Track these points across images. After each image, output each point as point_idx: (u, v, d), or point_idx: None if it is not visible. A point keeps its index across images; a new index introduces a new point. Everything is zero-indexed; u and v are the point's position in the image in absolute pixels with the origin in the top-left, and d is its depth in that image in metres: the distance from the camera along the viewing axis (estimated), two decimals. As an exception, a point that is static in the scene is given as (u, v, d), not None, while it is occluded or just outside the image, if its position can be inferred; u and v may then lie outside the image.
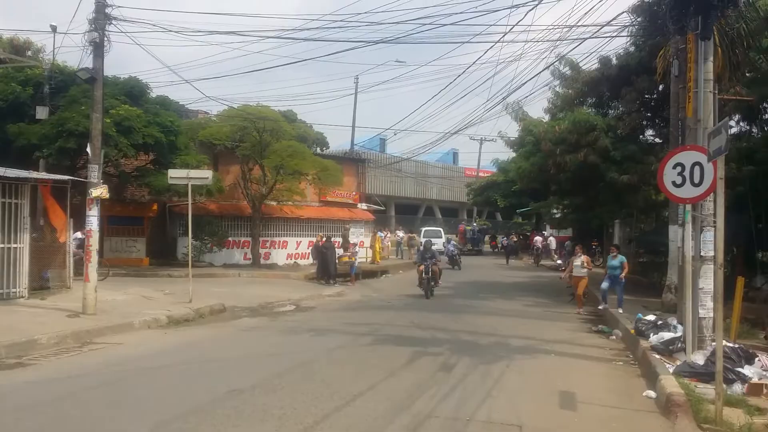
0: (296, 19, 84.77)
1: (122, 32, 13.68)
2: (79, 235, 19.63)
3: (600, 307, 15.13)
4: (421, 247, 20.74)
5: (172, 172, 15.94)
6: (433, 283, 18.49)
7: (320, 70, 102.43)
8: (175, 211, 24.95)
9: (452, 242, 31.76)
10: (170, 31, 15.35)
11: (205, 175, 16.27)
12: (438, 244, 43.05)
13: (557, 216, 34.50)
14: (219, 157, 26.36)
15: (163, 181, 18.75)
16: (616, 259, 15.15)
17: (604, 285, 15.15)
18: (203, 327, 12.47)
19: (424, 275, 18.31)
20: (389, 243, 35.14)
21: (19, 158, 18.36)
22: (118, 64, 45.69)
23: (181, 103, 25.87)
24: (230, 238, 26.38)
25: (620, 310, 14.09)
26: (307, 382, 7.83)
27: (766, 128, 16.48)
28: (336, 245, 23.72)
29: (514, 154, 30.78)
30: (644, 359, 9.18)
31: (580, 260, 16.11)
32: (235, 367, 8.76)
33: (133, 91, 20.97)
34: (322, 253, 22.12)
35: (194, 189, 16.57)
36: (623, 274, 14.93)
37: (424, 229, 45.89)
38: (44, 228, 15.97)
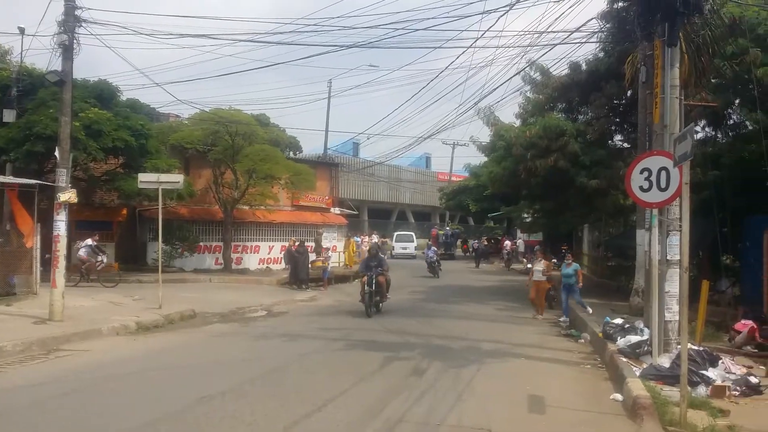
0: (269, 22, 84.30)
1: (92, 35, 13.50)
2: (89, 241, 19.45)
3: (561, 320, 14.90)
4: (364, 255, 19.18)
5: (143, 176, 15.76)
6: (378, 298, 15.57)
7: (293, 74, 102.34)
8: (145, 215, 24.65)
9: (432, 248, 30.18)
10: (141, 33, 15.22)
11: (176, 179, 16.13)
12: (410, 248, 43.29)
13: (528, 220, 34.81)
14: (190, 160, 26.13)
15: (133, 186, 18.53)
16: (570, 267, 15.20)
17: (564, 297, 15.19)
18: (173, 333, 12.33)
19: (366, 288, 15.22)
20: (366, 247, 35.13)
21: (-16, 162, 18.01)
22: (88, 67, 45.15)
23: (152, 106, 25.54)
24: (201, 243, 26.15)
25: (589, 310, 14.27)
26: (278, 388, 7.82)
27: (730, 134, 16.81)
28: (309, 250, 23.62)
29: (485, 159, 31.02)
30: (612, 362, 9.33)
31: (541, 266, 16.23)
32: (205, 374, 8.70)
33: (102, 94, 20.69)
34: (295, 258, 22.05)
35: (165, 193, 16.41)
36: (580, 284, 15.04)
37: (396, 233, 46.02)
38: (11, 233, 15.67)
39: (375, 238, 37.71)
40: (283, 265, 25.44)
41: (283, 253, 25.66)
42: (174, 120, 28.12)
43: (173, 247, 24.44)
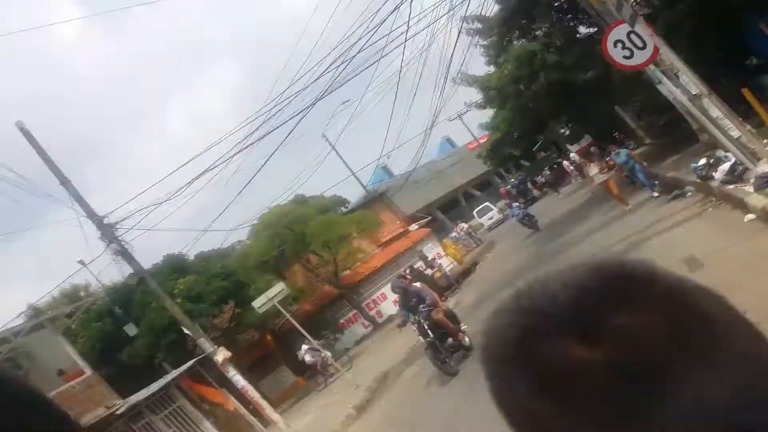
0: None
1: None
2: None
3: (654, 193, 14.43)
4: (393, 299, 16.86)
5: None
6: (450, 341, 10.83)
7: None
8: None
9: (513, 205, 25.86)
10: None
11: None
12: (494, 216, 42.38)
13: (567, 134, 34.64)
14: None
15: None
16: (620, 157, 15.22)
17: (639, 177, 14.89)
18: None
19: (423, 339, 10.82)
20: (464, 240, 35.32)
21: None
22: None
23: None
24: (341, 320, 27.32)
25: (655, 194, 14.32)
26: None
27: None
28: (421, 268, 23.92)
29: (492, 111, 31.60)
30: (723, 194, 9.94)
31: (594, 169, 16.63)
32: None
33: None
34: (421, 277, 20.56)
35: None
36: (644, 164, 15.09)
37: (474, 211, 45.82)
38: None
39: (464, 225, 37.75)
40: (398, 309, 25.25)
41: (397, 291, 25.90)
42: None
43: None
